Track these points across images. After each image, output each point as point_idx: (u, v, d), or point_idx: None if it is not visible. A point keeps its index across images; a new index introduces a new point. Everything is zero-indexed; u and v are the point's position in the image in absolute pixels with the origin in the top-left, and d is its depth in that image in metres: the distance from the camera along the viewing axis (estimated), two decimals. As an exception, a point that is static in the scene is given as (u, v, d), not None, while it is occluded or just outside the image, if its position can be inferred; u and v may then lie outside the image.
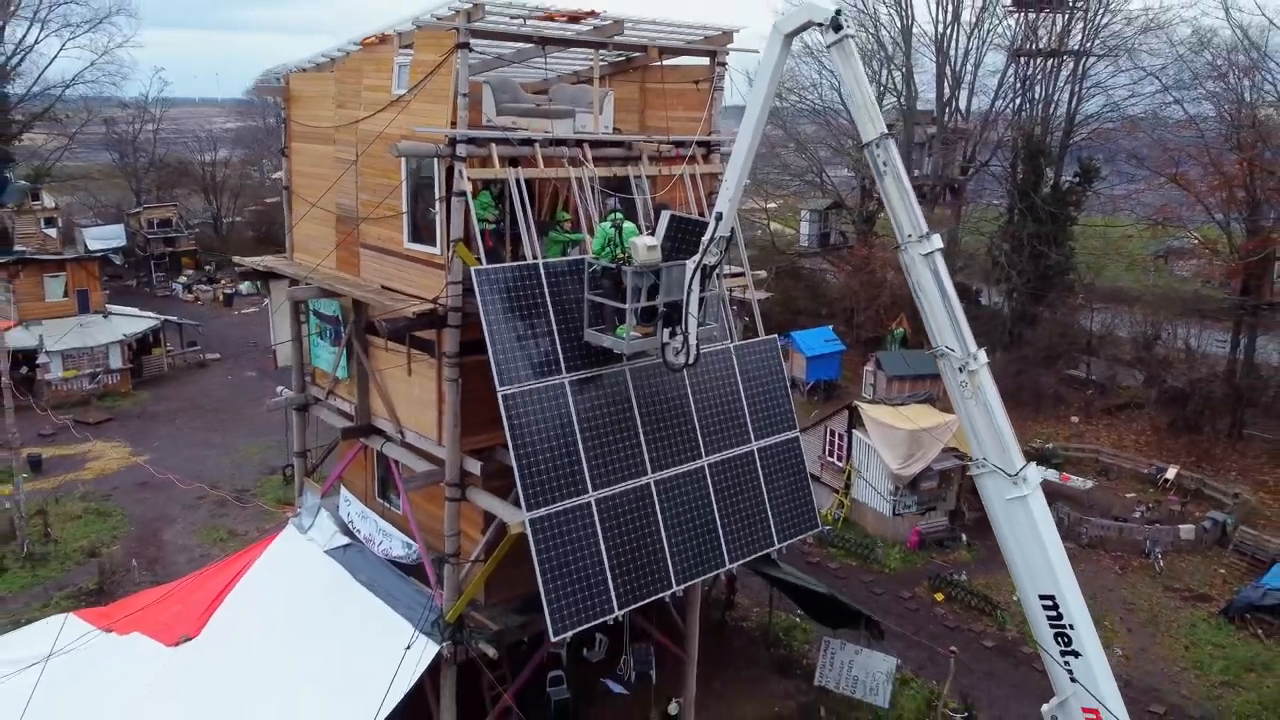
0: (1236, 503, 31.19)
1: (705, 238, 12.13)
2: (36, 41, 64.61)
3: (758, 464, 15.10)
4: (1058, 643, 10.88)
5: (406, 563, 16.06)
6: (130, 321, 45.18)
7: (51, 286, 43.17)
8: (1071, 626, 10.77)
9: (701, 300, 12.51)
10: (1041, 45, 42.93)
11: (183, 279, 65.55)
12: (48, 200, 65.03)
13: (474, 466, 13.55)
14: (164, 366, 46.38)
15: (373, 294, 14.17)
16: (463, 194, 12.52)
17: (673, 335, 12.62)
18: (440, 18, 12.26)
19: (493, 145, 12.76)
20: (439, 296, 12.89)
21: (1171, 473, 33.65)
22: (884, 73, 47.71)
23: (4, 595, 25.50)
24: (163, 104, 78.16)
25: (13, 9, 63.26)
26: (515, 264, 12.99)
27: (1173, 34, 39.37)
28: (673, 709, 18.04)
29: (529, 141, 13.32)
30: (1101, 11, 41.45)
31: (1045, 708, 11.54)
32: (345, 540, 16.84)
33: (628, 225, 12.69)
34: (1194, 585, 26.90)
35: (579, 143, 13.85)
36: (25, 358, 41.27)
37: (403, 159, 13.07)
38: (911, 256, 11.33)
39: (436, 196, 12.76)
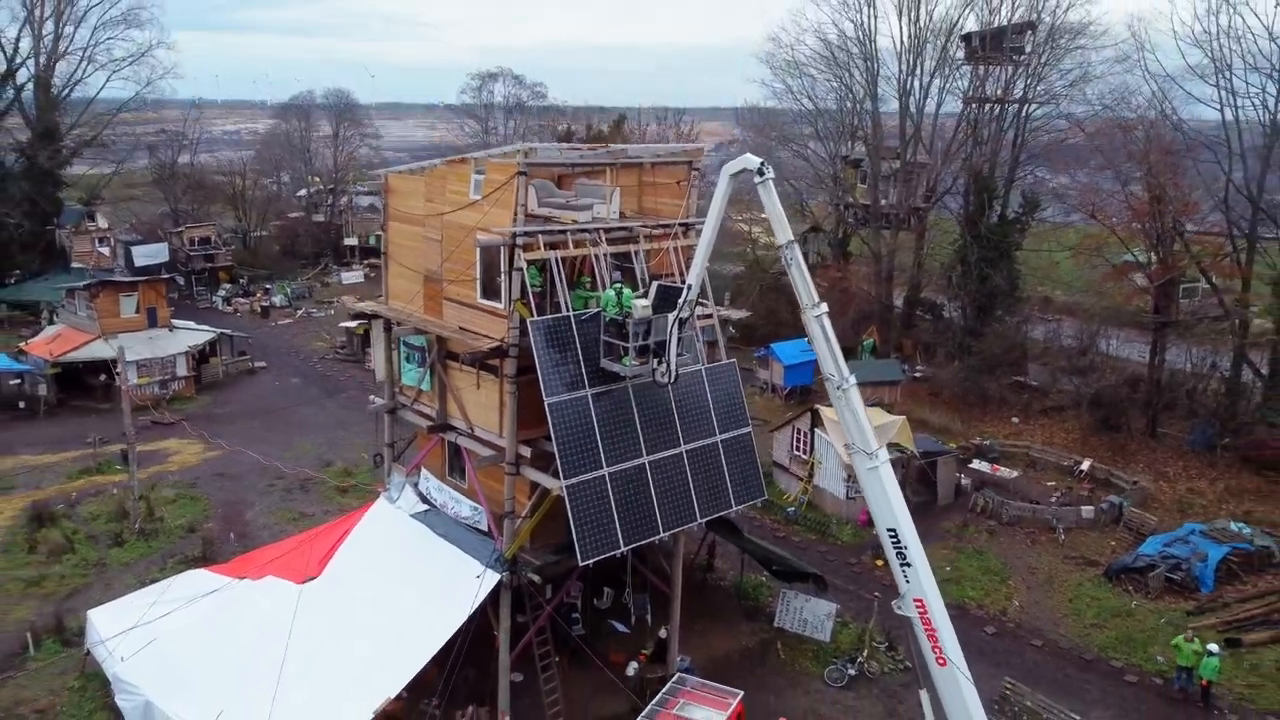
0: (1134, 489, 37.50)
1: (680, 300, 18.41)
2: (85, 75, 71.10)
3: (720, 451, 21.43)
4: (899, 559, 17.06)
5: (470, 521, 22.36)
6: (192, 335, 51.45)
7: (125, 304, 49.40)
8: (906, 548, 16.93)
9: (680, 339, 18.79)
10: (990, 94, 49.23)
11: (222, 292, 71.78)
12: (101, 222, 71.43)
13: (525, 451, 19.89)
14: (220, 374, 52.61)
15: (454, 332, 20.49)
16: (520, 269, 18.83)
17: (660, 363, 18.90)
18: (507, 154, 18.55)
19: (539, 236, 19.06)
20: (504, 337, 19.22)
21: (1086, 465, 40.00)
22: (854, 116, 54.00)
23: (128, 561, 31.71)
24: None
25: (64, 50, 69.67)
26: (554, 315, 19.31)
27: (1096, 86, 45.69)
28: (662, 633, 24.33)
29: (563, 231, 19.63)
30: (1040, 67, 47.78)
31: (895, 602, 17.72)
32: (424, 506, 23.18)
33: (626, 292, 18.98)
34: (1087, 554, 33.18)
35: (596, 229, 20.17)
36: (105, 367, 47.61)
37: (477, 248, 19.39)
38: (808, 318, 17.54)
39: (502, 270, 19.05)
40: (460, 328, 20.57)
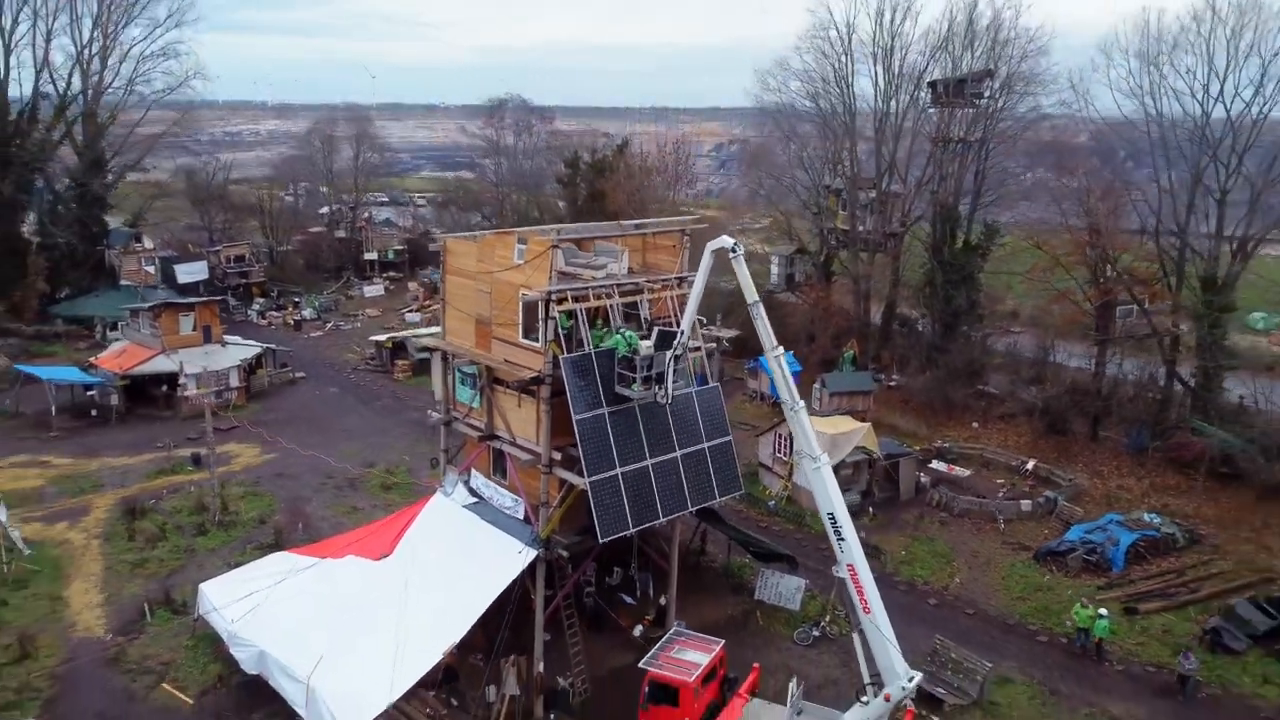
0: (1069, 485, 43.51)
1: (675, 342, 24.36)
2: (125, 106, 76.95)
3: (707, 455, 27.40)
4: (836, 535, 22.90)
5: (510, 511, 28.32)
6: (242, 349, 57.42)
7: (184, 323, 55.38)
8: (841, 527, 22.77)
9: (675, 370, 24.73)
10: (953, 134, 55.16)
11: (256, 306, 77.75)
12: (147, 242, 77.46)
13: (556, 455, 25.86)
14: (265, 384, 58.58)
15: (500, 364, 26.46)
16: (553, 317, 24.80)
17: (660, 389, 24.83)
18: (544, 232, 24.54)
19: (568, 292, 25.01)
20: (541, 369, 25.20)
21: (1031, 465, 46.00)
22: (837, 151, 59.98)
23: (213, 547, 37.66)
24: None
25: (106, 87, 75.52)
26: (579, 353, 25.28)
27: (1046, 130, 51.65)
28: (662, 601, 30.34)
29: (585, 287, 25.60)
30: (998, 111, 53.76)
31: (834, 569, 23.57)
32: (473, 499, 29.16)
33: (632, 336, 24.98)
34: (1023, 541, 39.11)
35: (610, 285, 26.16)
36: (167, 379, 53.61)
37: (521, 301, 25.41)
38: (768, 358, 23.44)
39: (539, 318, 25.02)
40: (505, 360, 26.53)
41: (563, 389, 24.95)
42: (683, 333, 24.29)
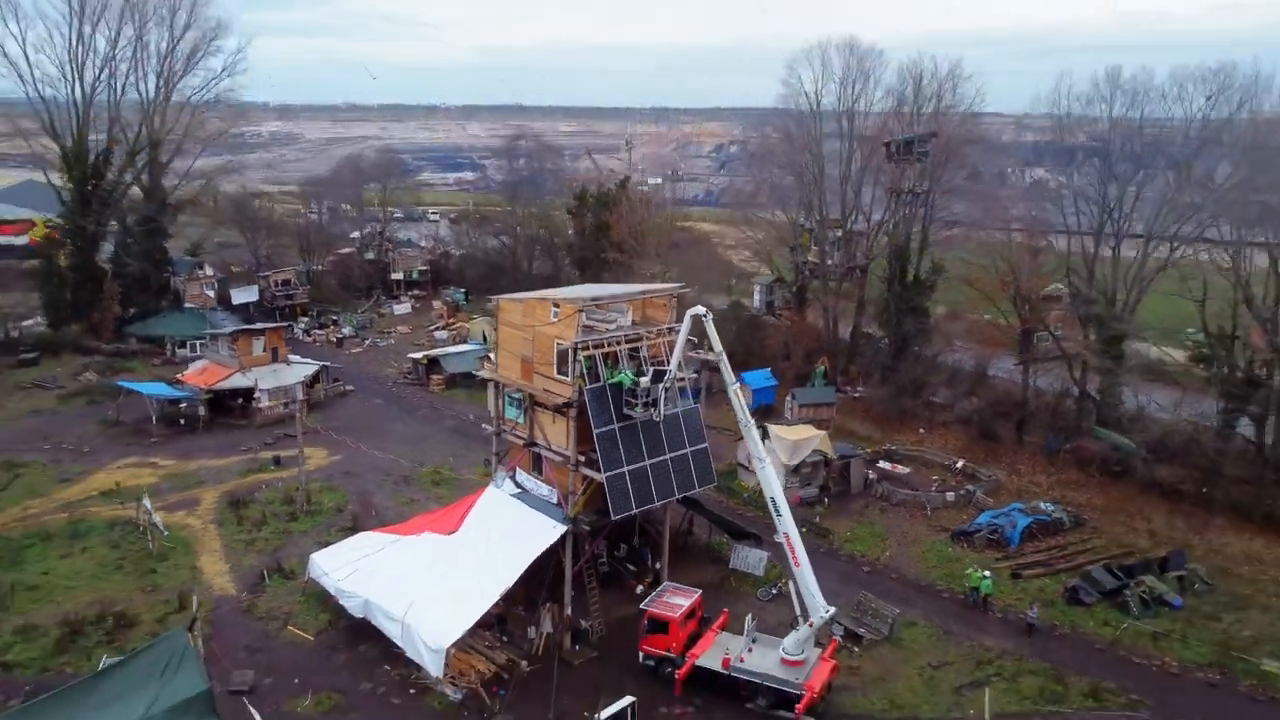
0: (988, 480, 53.67)
1: (666, 376, 34.54)
2: (181, 148, 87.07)
3: (689, 457, 37.62)
4: (776, 512, 32.97)
5: (546, 499, 38.52)
6: (303, 367, 67.60)
7: (256, 345, 65.58)
8: (779, 506, 32.81)
9: (665, 395, 34.95)
10: (904, 185, 65.33)
11: (301, 325, 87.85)
12: (207, 270, 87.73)
13: (581, 457, 36.12)
14: (322, 396, 68.70)
15: (540, 392, 36.69)
16: (579, 360, 35.02)
17: (654, 410, 35.04)
18: (571, 299, 34.80)
19: (589, 342, 35.19)
20: (570, 396, 35.43)
21: (960, 464, 56.16)
22: (808, 197, 70.22)
23: (304, 530, 47.65)
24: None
25: (168, 131, 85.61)
26: (597, 385, 35.47)
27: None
28: (657, 566, 40.60)
29: (602, 338, 35.82)
30: (942, 167, 64.01)
31: (775, 535, 33.64)
32: (518, 490, 39.39)
33: (633, 375, 35.21)
34: (945, 524, 49.20)
35: (620, 335, 36.39)
36: (245, 395, 63.76)
37: (555, 348, 35.62)
38: (728, 391, 33.57)
39: (570, 360, 35.22)
40: (544, 389, 36.75)
41: (585, 410, 35.16)
42: (670, 371, 34.50)
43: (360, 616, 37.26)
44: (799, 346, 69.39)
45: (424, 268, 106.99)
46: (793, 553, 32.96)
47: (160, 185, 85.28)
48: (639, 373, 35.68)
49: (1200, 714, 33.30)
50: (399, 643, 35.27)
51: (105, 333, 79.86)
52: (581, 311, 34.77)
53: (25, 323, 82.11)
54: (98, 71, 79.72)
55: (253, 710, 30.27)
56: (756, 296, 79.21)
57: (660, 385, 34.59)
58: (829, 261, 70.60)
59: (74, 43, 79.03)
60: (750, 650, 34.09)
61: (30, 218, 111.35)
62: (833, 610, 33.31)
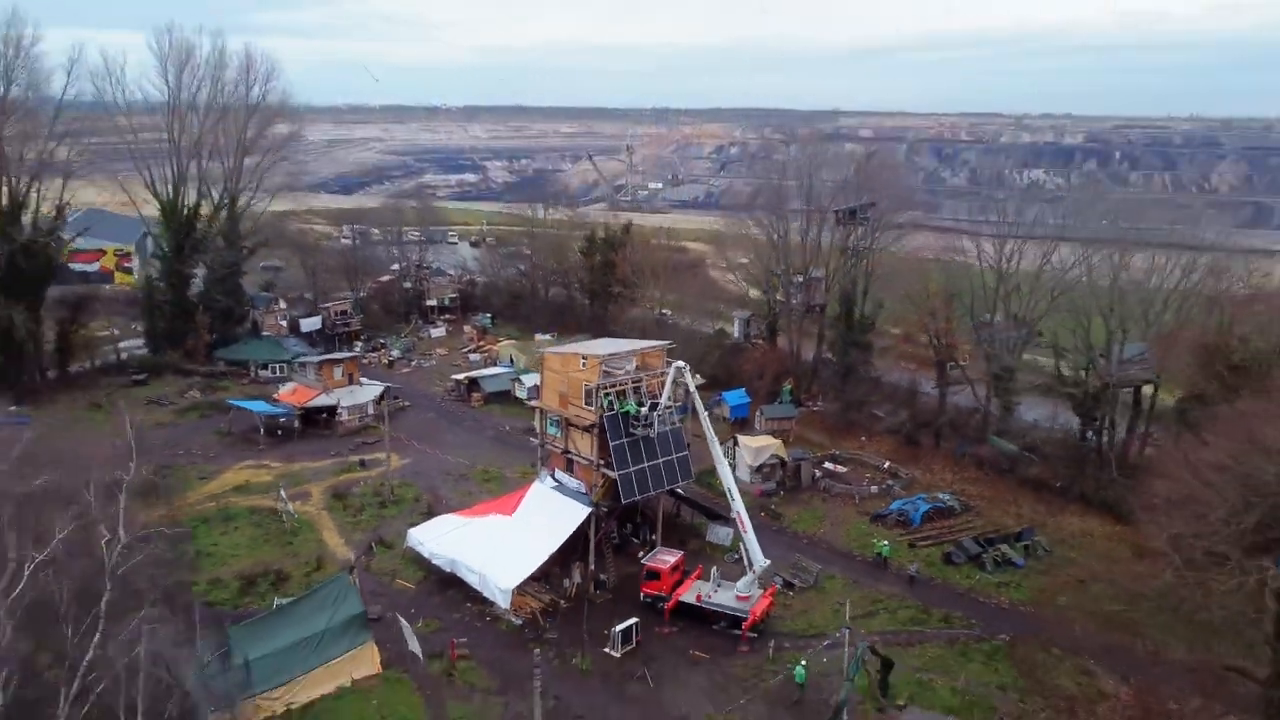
0: (905, 478, 70.60)
1: (660, 407, 51.45)
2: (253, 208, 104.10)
3: (675, 462, 54.66)
4: (730, 498, 49.63)
5: (577, 490, 55.49)
6: (372, 388, 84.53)
7: (336, 371, 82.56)
8: (733, 493, 49.42)
9: (658, 420, 51.93)
10: (851, 244, 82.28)
11: (357, 348, 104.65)
12: (281, 304, 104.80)
13: (601, 462, 53.03)
14: (385, 412, 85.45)
15: (573, 416, 53.59)
16: (600, 395, 51.93)
17: (651, 428, 52.01)
18: (594, 355, 51.69)
19: (607, 384, 52.06)
20: (594, 420, 52.33)
21: (887, 464, 73.10)
22: (776, 252, 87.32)
23: (393, 515, 64.32)
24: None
25: (241, 190, 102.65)
26: (612, 413, 52.37)
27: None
28: (653, 539, 57.66)
29: (615, 380, 52.74)
30: (879, 229, 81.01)
31: (730, 514, 50.26)
32: (556, 484, 56.40)
33: (634, 405, 52.18)
34: (868, 510, 66.04)
35: (627, 378, 53.33)
36: (329, 411, 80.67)
37: (584, 388, 52.53)
38: (700, 416, 50.34)
39: (594, 396, 52.09)
40: (575, 415, 53.74)
41: (604, 429, 52.12)
42: (661, 403, 51.46)
43: (448, 572, 54.10)
44: (770, 370, 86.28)
45: (454, 295, 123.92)
46: (742, 525, 49.89)
47: (237, 231, 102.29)
48: (640, 404, 52.63)
49: (1009, 630, 50.24)
50: (477, 587, 52.10)
51: (199, 357, 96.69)
52: (602, 363, 51.69)
53: (124, 344, 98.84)
54: (192, 143, 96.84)
55: (403, 621, 47.11)
56: (736, 327, 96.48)
57: (654, 413, 51.54)
58: (793, 301, 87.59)
59: (174, 127, 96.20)
60: (715, 591, 50.97)
61: (100, 246, 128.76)
62: (768, 562, 50.29)
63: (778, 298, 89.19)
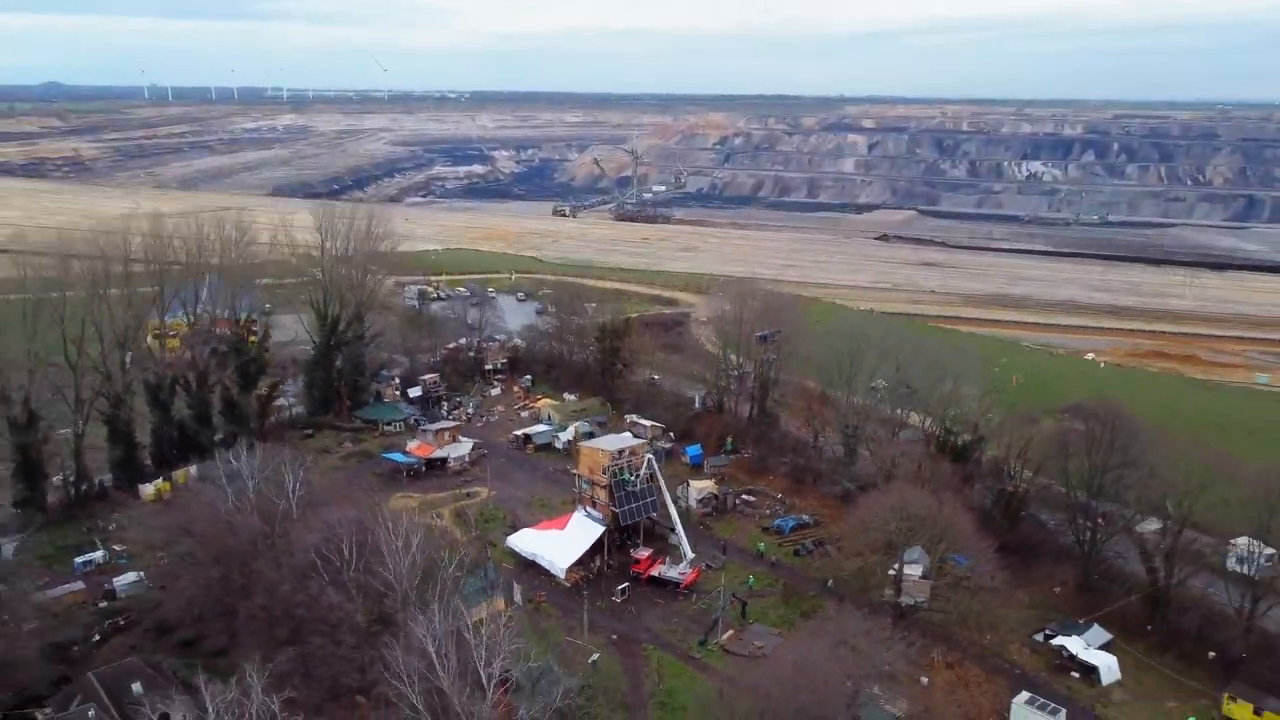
0: (787, 504, 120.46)
1: (639, 477, 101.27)
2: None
3: (648, 504, 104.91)
4: (670, 528, 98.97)
5: (598, 517, 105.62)
6: (467, 444, 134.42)
7: (445, 434, 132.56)
8: (676, 525, 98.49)
9: (639, 482, 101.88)
10: (767, 357, 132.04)
11: (444, 408, 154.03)
12: (395, 379, 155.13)
13: (609, 501, 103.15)
14: (473, 459, 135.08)
15: (595, 478, 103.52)
16: (609, 470, 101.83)
17: (636, 486, 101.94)
18: (606, 451, 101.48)
19: (615, 463, 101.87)
20: (606, 483, 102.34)
21: (780, 495, 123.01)
22: (729, 352, 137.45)
23: (493, 528, 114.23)
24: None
25: (367, 296, 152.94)
26: (616, 479, 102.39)
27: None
28: (639, 543, 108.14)
29: (620, 459, 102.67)
30: (783, 350, 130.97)
31: (671, 537, 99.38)
32: (586, 514, 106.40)
33: (628, 475, 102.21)
34: (764, 525, 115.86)
35: (627, 456, 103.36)
36: (442, 460, 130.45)
37: (602, 467, 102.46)
38: (664, 496, 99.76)
39: (606, 469, 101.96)
40: (596, 478, 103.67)
41: (611, 488, 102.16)
42: (641, 473, 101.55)
43: (528, 557, 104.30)
44: (715, 430, 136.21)
45: (504, 360, 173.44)
46: (681, 539, 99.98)
47: (363, 324, 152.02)
48: (631, 474, 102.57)
49: (802, 586, 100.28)
50: (546, 567, 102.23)
51: (343, 417, 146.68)
52: (610, 456, 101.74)
53: (278, 402, 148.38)
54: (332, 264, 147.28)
55: (514, 584, 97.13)
56: (697, 401, 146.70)
57: (638, 479, 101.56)
58: (733, 386, 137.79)
59: (326, 268, 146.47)
60: (669, 570, 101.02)
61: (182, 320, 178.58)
62: (693, 555, 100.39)
63: (724, 383, 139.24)
